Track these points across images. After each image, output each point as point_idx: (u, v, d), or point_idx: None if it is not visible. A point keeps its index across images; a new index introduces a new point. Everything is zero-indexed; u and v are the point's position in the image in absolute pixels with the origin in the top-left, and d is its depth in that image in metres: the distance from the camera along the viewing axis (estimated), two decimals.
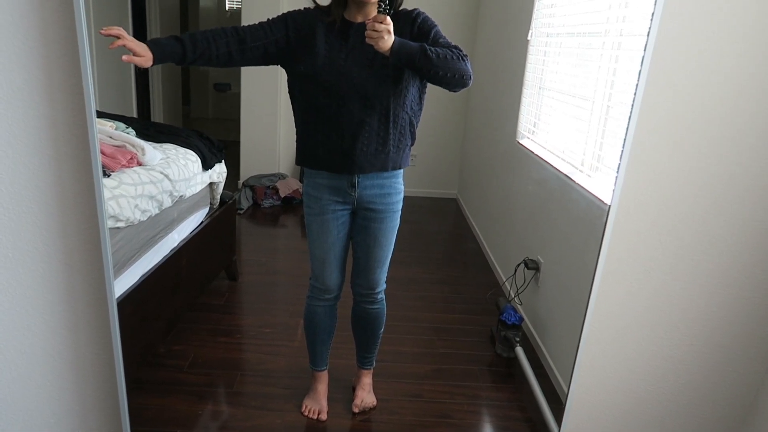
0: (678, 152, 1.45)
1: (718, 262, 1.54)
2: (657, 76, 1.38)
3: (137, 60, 1.30)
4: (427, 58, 1.42)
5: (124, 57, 1.28)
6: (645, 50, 1.33)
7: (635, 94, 1.36)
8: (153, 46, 1.36)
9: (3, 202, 1.19)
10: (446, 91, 1.52)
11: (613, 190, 1.44)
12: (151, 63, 1.35)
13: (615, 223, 1.47)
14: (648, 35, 1.32)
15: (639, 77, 1.35)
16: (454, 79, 1.47)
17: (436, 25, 1.56)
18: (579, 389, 1.63)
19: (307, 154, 1.65)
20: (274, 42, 1.56)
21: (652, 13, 1.31)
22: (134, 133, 2.19)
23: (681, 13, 1.35)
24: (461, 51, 1.48)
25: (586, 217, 1.97)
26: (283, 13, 1.60)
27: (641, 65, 1.34)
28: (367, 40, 1.39)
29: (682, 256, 1.53)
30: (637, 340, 1.61)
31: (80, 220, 1.26)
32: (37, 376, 1.38)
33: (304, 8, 1.60)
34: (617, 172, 1.42)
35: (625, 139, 1.39)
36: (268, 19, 1.59)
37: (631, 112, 1.37)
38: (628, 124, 1.38)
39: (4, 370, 1.37)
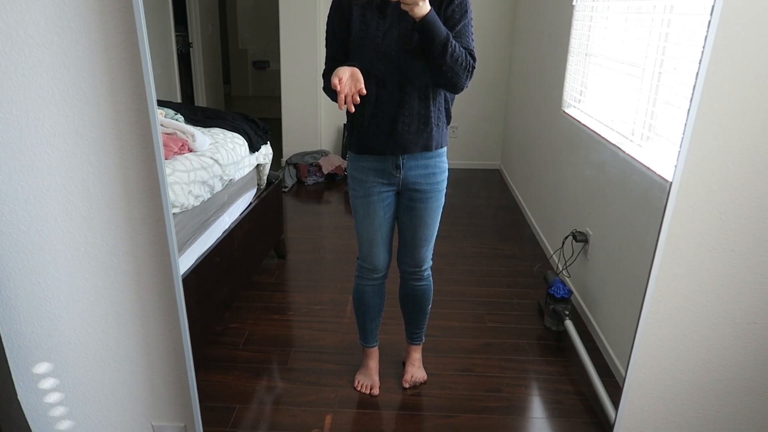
0: (740, 126, 1.38)
1: None
2: (722, 45, 1.30)
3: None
4: (445, 50, 1.44)
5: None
6: (711, 14, 1.26)
7: (699, 63, 1.28)
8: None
9: (74, 200, 1.26)
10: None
11: (675, 167, 1.39)
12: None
13: (675, 200, 1.43)
14: None
15: (704, 47, 1.27)
16: (449, 82, 1.51)
17: (468, 15, 1.54)
18: (636, 369, 1.62)
19: (355, 141, 1.67)
20: (346, 38, 1.59)
21: None
22: (183, 119, 2.24)
23: None
24: (473, 61, 1.51)
25: (637, 188, 1.93)
26: (331, 12, 1.61)
27: (707, 31, 1.26)
28: (402, 6, 1.39)
29: (743, 233, 1.48)
30: (696, 318, 1.58)
31: (143, 212, 1.32)
32: (111, 360, 1.48)
33: None
34: (680, 147, 1.37)
35: (688, 113, 1.33)
36: (327, 26, 1.62)
37: (695, 84, 1.30)
38: (692, 97, 1.31)
39: (81, 355, 1.47)
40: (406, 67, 1.53)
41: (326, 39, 1.63)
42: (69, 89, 1.18)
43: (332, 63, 1.60)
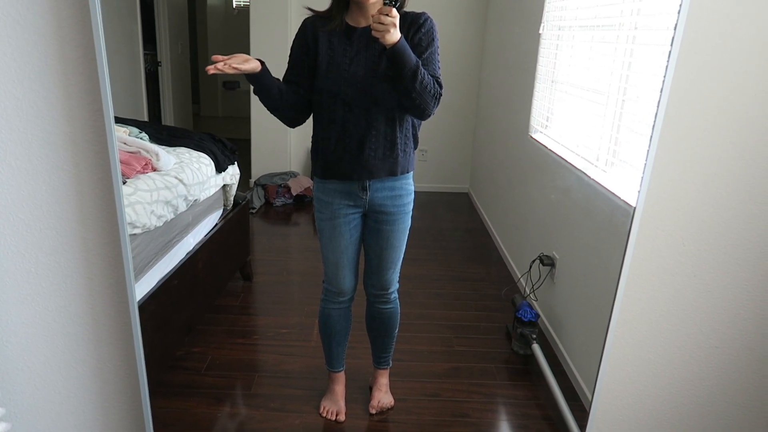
0: (701, 154, 1.42)
1: (743, 265, 1.52)
2: (683, 75, 1.34)
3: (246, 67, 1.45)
4: (415, 77, 1.44)
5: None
6: (672, 45, 1.28)
7: (661, 92, 1.32)
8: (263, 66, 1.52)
9: (25, 219, 1.21)
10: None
11: (639, 192, 1.41)
12: (258, 68, 1.49)
13: (638, 225, 1.45)
14: (675, 28, 1.28)
15: (665, 75, 1.30)
16: (417, 109, 1.51)
17: (435, 43, 1.55)
18: (602, 393, 1.62)
19: (320, 165, 1.66)
20: (310, 66, 1.58)
21: (680, 5, 1.27)
22: (147, 138, 2.20)
23: (709, 4, 1.31)
24: (440, 88, 1.51)
25: (602, 213, 1.95)
26: (296, 37, 1.60)
27: (667, 61, 1.29)
28: (373, 32, 1.38)
29: (705, 259, 1.51)
30: (660, 343, 1.60)
31: (99, 232, 1.28)
32: (61, 386, 1.41)
33: (304, 20, 1.60)
34: (643, 172, 1.39)
35: (650, 140, 1.36)
36: (291, 49, 1.60)
37: (656, 112, 1.33)
38: (654, 124, 1.34)
39: (29, 381, 1.40)
40: (374, 90, 1.53)
41: (288, 61, 1.63)
42: (22, 104, 1.13)
43: (286, 84, 1.60)
